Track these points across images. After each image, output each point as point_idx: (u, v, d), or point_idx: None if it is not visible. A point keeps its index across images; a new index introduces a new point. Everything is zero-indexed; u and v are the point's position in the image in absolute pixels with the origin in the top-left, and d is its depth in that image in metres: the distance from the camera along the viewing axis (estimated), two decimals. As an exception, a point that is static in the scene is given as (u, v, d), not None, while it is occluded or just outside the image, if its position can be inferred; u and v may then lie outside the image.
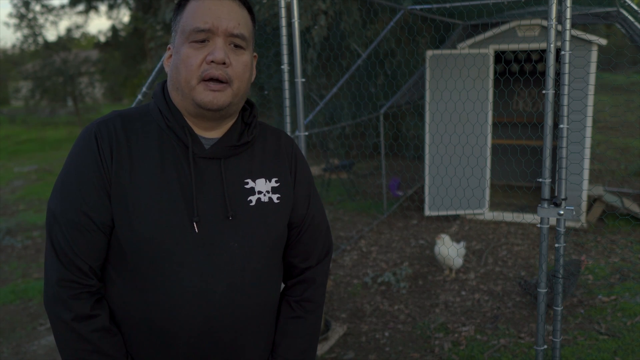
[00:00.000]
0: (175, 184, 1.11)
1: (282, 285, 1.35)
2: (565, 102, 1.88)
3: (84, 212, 1.09)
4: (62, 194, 1.11)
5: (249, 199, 1.17)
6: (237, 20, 1.11)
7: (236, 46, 1.12)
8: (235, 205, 1.15)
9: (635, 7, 4.81)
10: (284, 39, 2.43)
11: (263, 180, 1.20)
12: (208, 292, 1.11)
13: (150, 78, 3.27)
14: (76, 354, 1.10)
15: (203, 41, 1.10)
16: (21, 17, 18.52)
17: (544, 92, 1.91)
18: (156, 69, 3.18)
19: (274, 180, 1.22)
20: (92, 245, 1.10)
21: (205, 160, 1.14)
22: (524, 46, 5.46)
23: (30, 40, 18.85)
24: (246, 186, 1.17)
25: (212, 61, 1.08)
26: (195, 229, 1.10)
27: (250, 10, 1.18)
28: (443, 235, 4.37)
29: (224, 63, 1.09)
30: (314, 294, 1.31)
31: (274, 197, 1.21)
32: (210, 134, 1.17)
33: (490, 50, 5.48)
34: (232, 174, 1.16)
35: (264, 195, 1.19)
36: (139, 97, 3.30)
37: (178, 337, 1.12)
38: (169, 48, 1.18)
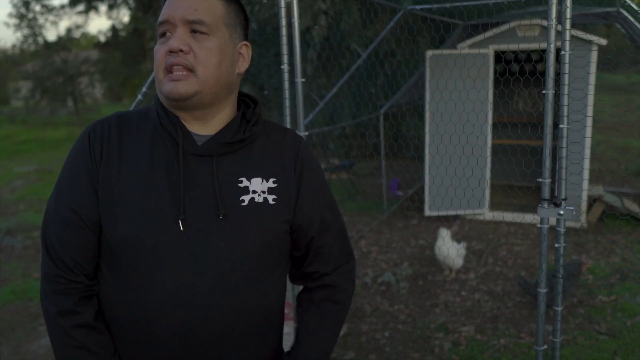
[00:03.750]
0: (163, 182, 1.10)
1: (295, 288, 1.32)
2: (565, 102, 1.88)
3: (72, 208, 1.10)
4: (56, 191, 1.14)
5: (241, 198, 1.13)
6: (193, 6, 1.09)
7: (195, 32, 1.09)
8: (226, 204, 1.11)
9: (635, 7, 4.82)
10: (284, 39, 2.43)
11: (259, 179, 1.16)
12: (190, 293, 1.08)
13: (150, 78, 3.27)
14: (63, 349, 1.11)
15: (165, 34, 1.10)
16: (21, 17, 18.53)
17: (544, 92, 1.91)
18: (156, 69, 3.17)
19: (271, 180, 1.17)
20: (80, 242, 1.11)
21: (197, 157, 1.12)
22: (524, 46, 5.46)
23: (30, 40, 18.88)
24: (240, 185, 1.14)
25: (170, 50, 1.08)
26: (180, 227, 1.08)
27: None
28: (444, 230, 4.36)
29: (181, 50, 1.07)
30: (337, 297, 1.27)
31: (270, 197, 1.15)
32: (204, 130, 1.15)
33: (490, 50, 5.48)
34: (225, 172, 1.13)
35: (259, 195, 1.15)
36: (139, 97, 3.31)
37: (160, 337, 1.10)
38: None
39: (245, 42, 1.18)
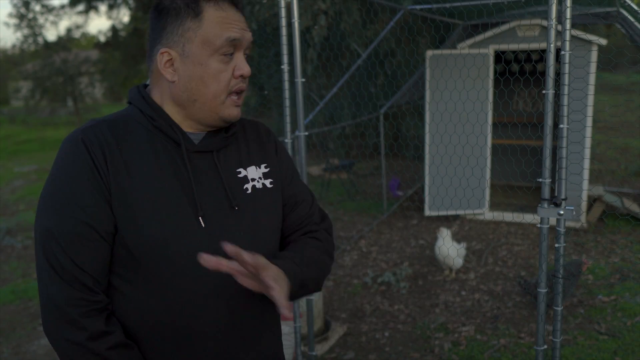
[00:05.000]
0: (174, 182, 1.09)
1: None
2: (565, 102, 1.88)
3: (84, 222, 1.03)
4: (56, 209, 1.04)
5: (245, 187, 1.18)
6: (248, 28, 1.13)
7: (246, 55, 1.15)
8: (236, 196, 1.16)
9: (635, 7, 4.82)
10: (284, 39, 2.43)
11: (254, 167, 1.22)
12: (226, 284, 1.09)
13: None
14: None
15: (232, 54, 1.11)
16: (21, 17, 18.52)
17: (544, 92, 1.91)
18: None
19: (263, 166, 1.23)
20: (96, 257, 1.05)
21: (198, 154, 1.14)
22: (524, 46, 5.46)
23: (30, 40, 18.87)
24: (239, 175, 1.18)
25: (242, 75, 1.11)
26: (201, 223, 1.09)
27: None
28: (444, 230, 4.36)
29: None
30: (328, 248, 1.29)
31: (267, 182, 1.22)
32: (195, 129, 1.17)
33: (490, 50, 5.48)
34: (225, 165, 1.17)
35: (257, 182, 1.20)
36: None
37: (204, 334, 1.10)
38: (165, 52, 1.10)
39: None
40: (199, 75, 1.09)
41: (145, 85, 1.20)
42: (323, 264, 1.24)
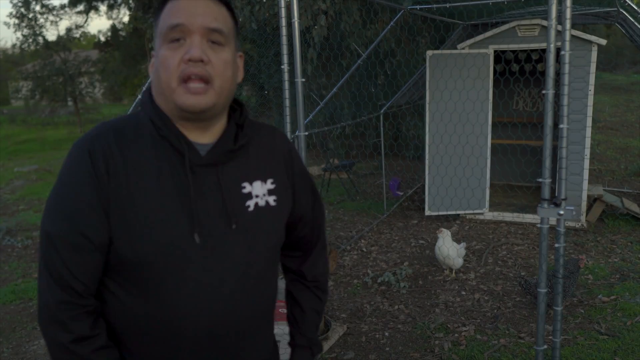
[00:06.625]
0: (174, 195, 1.09)
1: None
2: (565, 102, 1.88)
3: (81, 232, 1.06)
4: (56, 215, 1.07)
5: (247, 204, 1.15)
6: (213, 15, 1.07)
7: (214, 42, 1.07)
8: (235, 213, 1.14)
9: (635, 7, 4.82)
10: (284, 39, 2.43)
11: (259, 183, 1.18)
12: (212, 298, 1.11)
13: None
14: None
15: (179, 40, 1.06)
16: (21, 17, 18.52)
17: (544, 92, 1.91)
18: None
19: (269, 181, 1.20)
20: (89, 266, 1.08)
21: (202, 167, 1.12)
22: (524, 46, 5.46)
23: (30, 40, 18.86)
24: (243, 191, 1.16)
25: (189, 59, 1.04)
26: (197, 239, 1.09)
27: (229, 7, 1.14)
28: (444, 230, 4.36)
29: (202, 60, 1.04)
30: (323, 287, 1.40)
31: (271, 199, 1.19)
32: (203, 138, 1.14)
33: (490, 50, 5.48)
34: (229, 180, 1.14)
35: (261, 199, 1.18)
36: (139, 97, 3.31)
37: (190, 346, 1.12)
38: (153, 55, 1.13)
39: (240, 53, 1.19)
40: (156, 67, 1.09)
41: None
42: (320, 314, 1.41)
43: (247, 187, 1.16)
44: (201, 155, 1.11)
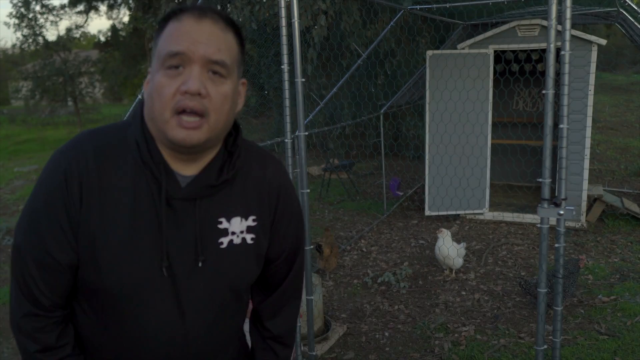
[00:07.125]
0: (147, 227, 1.06)
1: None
2: (565, 102, 1.88)
3: (49, 253, 1.04)
4: (29, 227, 1.05)
5: (220, 240, 1.10)
6: (217, 45, 1.00)
7: (215, 73, 1.01)
8: (205, 250, 1.09)
9: (635, 7, 4.82)
10: (284, 39, 2.44)
11: (238, 219, 1.12)
12: (172, 331, 1.11)
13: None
14: None
15: (177, 67, 0.99)
16: (21, 17, 18.51)
17: (544, 92, 1.91)
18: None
19: (251, 218, 1.14)
20: (57, 283, 1.07)
21: (179, 200, 1.07)
22: (524, 46, 5.46)
23: (30, 40, 18.85)
24: (219, 226, 1.10)
25: (186, 92, 0.97)
26: (164, 273, 1.07)
27: (237, 33, 1.07)
28: (444, 230, 4.36)
29: (200, 94, 0.98)
30: (288, 341, 1.32)
31: (248, 237, 1.14)
32: (188, 170, 1.08)
33: (490, 50, 5.49)
34: (206, 214, 1.09)
35: (237, 236, 1.12)
36: (139, 97, 3.31)
37: None
38: (149, 72, 1.07)
39: (243, 80, 1.13)
40: (150, 92, 1.03)
41: None
42: None
43: (223, 223, 1.11)
44: (181, 188, 1.06)
